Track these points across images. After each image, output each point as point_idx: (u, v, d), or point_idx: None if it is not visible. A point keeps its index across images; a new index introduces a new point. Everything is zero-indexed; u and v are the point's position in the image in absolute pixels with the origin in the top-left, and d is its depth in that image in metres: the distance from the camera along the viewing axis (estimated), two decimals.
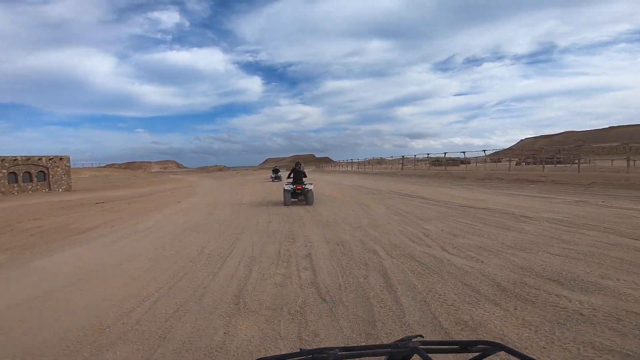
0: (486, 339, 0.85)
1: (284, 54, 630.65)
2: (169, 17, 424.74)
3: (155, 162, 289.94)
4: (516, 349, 0.67)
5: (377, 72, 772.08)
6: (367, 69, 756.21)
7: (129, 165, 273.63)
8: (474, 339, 1.35)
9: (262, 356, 2.00)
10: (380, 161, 49.68)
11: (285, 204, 10.59)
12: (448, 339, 1.42)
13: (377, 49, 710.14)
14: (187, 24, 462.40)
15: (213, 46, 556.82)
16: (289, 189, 10.69)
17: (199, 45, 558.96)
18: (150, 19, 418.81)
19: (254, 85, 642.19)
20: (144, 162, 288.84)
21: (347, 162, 57.48)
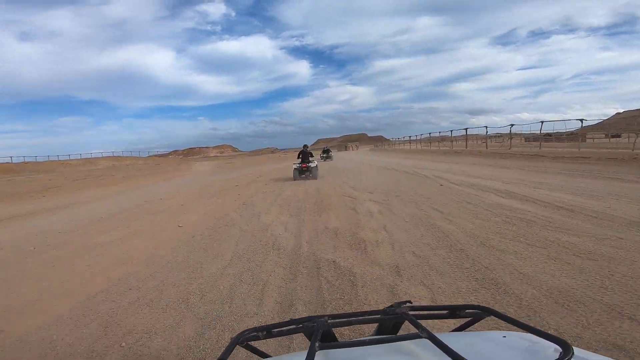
0: (475, 304, 0.74)
1: (330, 37, 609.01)
2: (216, 9, 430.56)
3: (212, 147, 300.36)
4: (505, 314, 0.66)
5: (429, 49, 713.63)
6: (417, 47, 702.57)
7: (190, 151, 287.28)
8: (464, 303, 1.34)
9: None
10: (443, 138, 36.97)
11: (295, 179, 12.79)
12: (437, 304, 1.27)
13: (427, 26, 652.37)
14: (233, 13, 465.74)
15: (259, 34, 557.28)
16: (297, 167, 12.97)
17: (247, 33, 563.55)
18: (199, 12, 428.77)
19: (302, 69, 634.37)
20: (202, 147, 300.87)
21: (404, 140, 47.36)
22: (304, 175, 12.87)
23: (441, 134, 32.78)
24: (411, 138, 41.09)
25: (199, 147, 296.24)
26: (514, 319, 0.62)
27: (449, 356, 0.49)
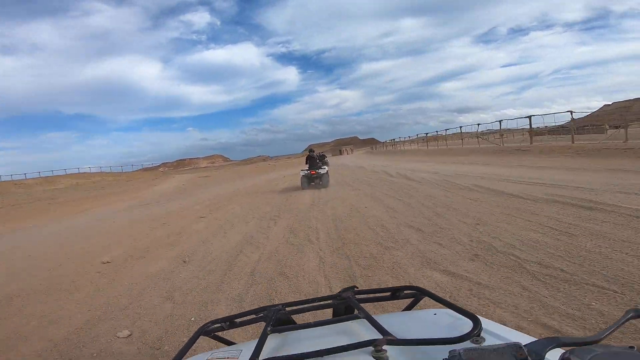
0: (412, 285, 0.85)
1: (316, 42, 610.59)
2: (200, 18, 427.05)
3: (203, 158, 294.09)
4: (438, 294, 0.74)
5: (414, 50, 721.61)
6: (403, 48, 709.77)
7: (180, 163, 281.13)
8: (402, 285, 1.07)
9: None
10: (436, 137, 34.28)
11: (303, 187, 11.31)
12: (379, 288, 1.08)
13: (411, 27, 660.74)
14: (218, 22, 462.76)
15: (246, 41, 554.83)
16: (305, 174, 11.45)
17: (233, 42, 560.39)
18: (183, 22, 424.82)
19: (291, 75, 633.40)
20: (193, 158, 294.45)
21: (400, 141, 43.97)
22: (313, 184, 11.45)
23: (438, 133, 32.06)
24: (406, 138, 39.93)
25: (189, 159, 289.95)
26: (440, 297, 0.73)
27: (380, 333, 0.59)
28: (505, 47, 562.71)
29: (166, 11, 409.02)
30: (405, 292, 0.82)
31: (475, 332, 0.55)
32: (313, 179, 11.34)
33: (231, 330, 0.81)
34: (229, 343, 0.85)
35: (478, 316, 0.60)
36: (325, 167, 11.73)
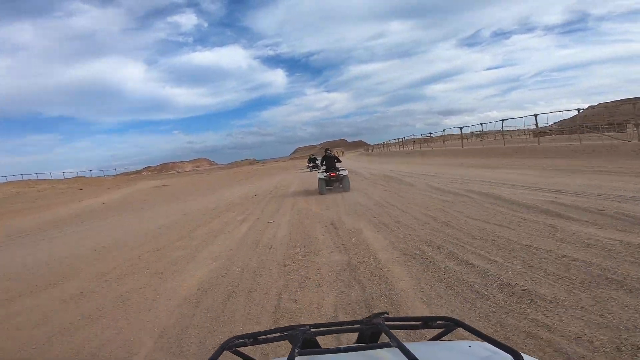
0: (445, 316, 0.80)
1: (305, 44, 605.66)
2: (187, 20, 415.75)
3: (188, 161, 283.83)
4: (472, 326, 0.69)
5: (402, 52, 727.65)
6: (391, 51, 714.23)
7: (164, 167, 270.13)
8: (435, 314, 1.36)
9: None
10: (429, 139, 32.13)
11: (321, 192, 9.57)
12: (411, 316, 1.40)
13: (399, 30, 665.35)
14: (205, 24, 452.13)
15: (233, 44, 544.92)
16: (323, 177, 9.65)
17: (220, 44, 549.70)
18: (170, 23, 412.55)
19: (278, 77, 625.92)
20: (177, 162, 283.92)
21: (393, 143, 39.14)
22: (331, 187, 9.78)
23: (432, 134, 31.80)
24: (399, 140, 38.45)
25: (174, 162, 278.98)
26: (477, 330, 0.67)
27: None
28: (490, 50, 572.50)
29: (152, 12, 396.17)
30: (438, 322, 0.75)
31: None
32: (332, 182, 9.85)
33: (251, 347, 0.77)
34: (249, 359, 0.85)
35: (519, 351, 0.56)
36: (345, 169, 10.08)
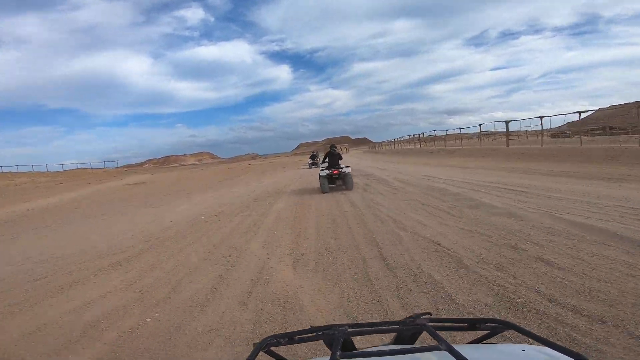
0: (495, 318, 0.74)
1: (309, 41, 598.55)
2: (194, 14, 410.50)
3: (190, 155, 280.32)
4: (526, 328, 0.65)
5: (405, 51, 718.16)
6: (394, 49, 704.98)
7: (166, 160, 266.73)
8: (483, 317, 1.13)
9: None
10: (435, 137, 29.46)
11: (324, 191, 8.94)
12: (456, 317, 1.32)
13: (403, 29, 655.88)
14: (212, 19, 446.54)
15: (238, 39, 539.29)
16: (325, 174, 9.07)
17: (225, 39, 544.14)
18: (176, 17, 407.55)
19: (282, 73, 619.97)
20: (179, 155, 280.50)
21: (401, 140, 34.68)
22: (334, 185, 9.32)
23: (436, 132, 29.65)
24: (405, 138, 35.52)
25: (176, 155, 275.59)
26: (534, 333, 0.62)
27: None
28: (495, 51, 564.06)
29: (159, 6, 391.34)
30: (487, 324, 0.69)
31: None
32: (335, 180, 9.21)
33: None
34: None
35: (585, 356, 0.51)
36: (349, 166, 9.45)
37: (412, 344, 0.73)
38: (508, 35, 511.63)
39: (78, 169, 42.73)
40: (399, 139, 38.52)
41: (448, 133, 26.55)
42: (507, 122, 16.20)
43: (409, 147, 34.25)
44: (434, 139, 29.17)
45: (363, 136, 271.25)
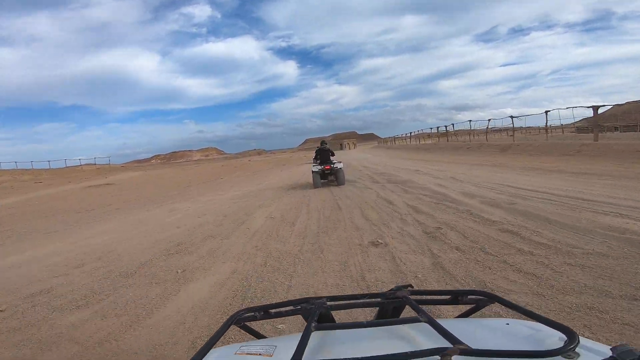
0: (479, 289, 0.74)
1: (316, 37, 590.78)
2: (201, 11, 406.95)
3: (197, 150, 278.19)
4: (511, 300, 0.61)
5: (414, 47, 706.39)
6: (402, 45, 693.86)
7: (173, 155, 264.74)
8: (466, 288, 1.20)
9: None
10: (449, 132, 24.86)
11: (315, 186, 8.82)
12: (439, 289, 1.32)
13: (411, 25, 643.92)
14: (219, 15, 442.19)
15: (246, 35, 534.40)
16: (317, 170, 9.02)
17: (233, 35, 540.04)
18: (184, 14, 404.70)
19: (290, 69, 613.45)
20: (187, 151, 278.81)
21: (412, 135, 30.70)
22: (326, 181, 9.28)
23: (448, 127, 25.25)
24: (418, 132, 32.41)
25: (183, 151, 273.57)
26: (520, 306, 0.60)
27: (448, 340, 0.47)
28: (505, 47, 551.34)
29: (167, 3, 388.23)
30: (471, 296, 0.67)
31: (572, 347, 0.46)
32: (326, 176, 9.16)
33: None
34: (259, 336, 0.76)
35: (573, 330, 0.49)
36: (341, 162, 9.20)
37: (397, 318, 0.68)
38: (518, 31, 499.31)
39: (69, 166, 39.00)
40: (415, 133, 33.48)
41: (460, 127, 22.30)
42: (595, 108, 11.16)
43: (424, 142, 29.29)
44: (459, 133, 24.50)
45: (370, 132, 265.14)
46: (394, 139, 43.15)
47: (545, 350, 0.44)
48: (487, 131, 19.93)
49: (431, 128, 28.89)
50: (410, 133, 34.00)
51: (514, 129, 18.02)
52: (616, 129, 22.97)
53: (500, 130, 24.41)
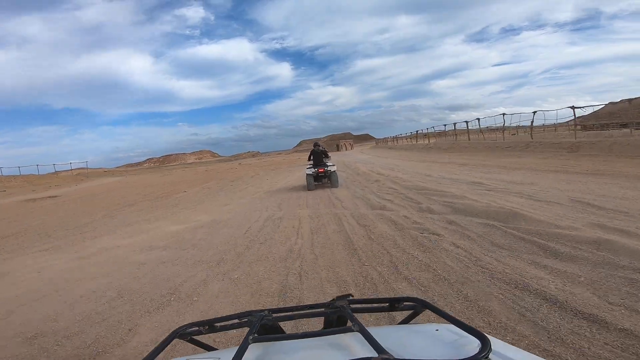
0: (411, 296, 0.75)
1: (311, 38, 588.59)
2: (195, 12, 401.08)
3: (190, 153, 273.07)
4: (438, 307, 0.66)
5: (409, 47, 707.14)
6: (397, 45, 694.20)
7: (166, 159, 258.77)
8: (401, 295, 1.15)
9: None
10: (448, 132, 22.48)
11: (309, 188, 8.56)
12: (377, 297, 1.29)
13: (406, 25, 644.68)
14: (212, 17, 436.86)
15: (240, 37, 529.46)
16: (311, 172, 8.76)
17: (227, 37, 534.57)
18: (177, 16, 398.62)
19: (284, 71, 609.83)
20: (180, 154, 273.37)
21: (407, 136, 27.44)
22: (320, 183, 9.00)
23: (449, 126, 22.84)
24: (418, 132, 29.57)
25: (176, 154, 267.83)
26: (445, 312, 0.62)
27: (375, 349, 0.49)
28: (498, 46, 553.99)
29: (160, 5, 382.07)
30: (405, 303, 0.70)
31: (484, 354, 0.48)
32: (320, 178, 8.87)
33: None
34: (207, 348, 0.76)
35: (487, 335, 0.52)
36: (334, 164, 9.04)
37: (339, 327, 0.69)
38: (510, 30, 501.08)
39: (49, 173, 34.56)
40: (421, 131, 29.61)
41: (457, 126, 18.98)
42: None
43: (432, 141, 25.43)
44: (443, 134, 20.61)
45: (366, 132, 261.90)
46: (396, 138, 39.22)
47: (465, 358, 0.46)
48: (531, 128, 15.91)
49: (432, 127, 25.25)
50: (417, 131, 30.13)
51: (575, 123, 13.98)
52: None
53: (516, 127, 20.77)
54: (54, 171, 33.12)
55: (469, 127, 20.24)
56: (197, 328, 0.67)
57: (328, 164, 8.85)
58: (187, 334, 0.67)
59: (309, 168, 8.92)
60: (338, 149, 56.81)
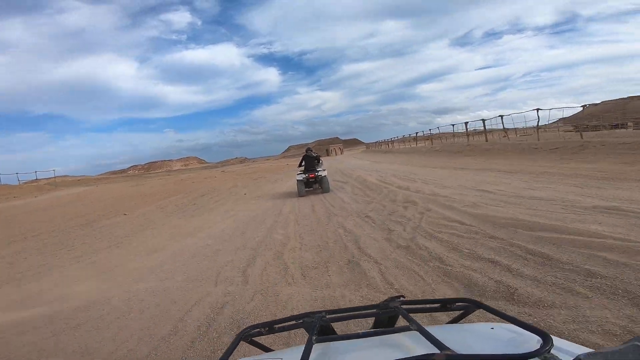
0: (465, 297, 0.77)
1: (298, 43, 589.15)
2: (181, 17, 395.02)
3: (176, 160, 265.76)
4: (493, 307, 0.63)
5: (395, 51, 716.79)
6: (384, 50, 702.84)
7: (151, 166, 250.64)
8: (454, 297, 1.25)
9: None
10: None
11: (300, 194, 8.51)
12: (429, 299, 1.22)
13: (392, 29, 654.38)
14: (199, 22, 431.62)
15: (227, 42, 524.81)
16: (302, 178, 8.72)
17: (214, 42, 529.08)
18: (163, 21, 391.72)
19: (271, 76, 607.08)
20: (166, 160, 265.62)
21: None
22: (311, 189, 8.99)
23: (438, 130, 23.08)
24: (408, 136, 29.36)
25: (162, 161, 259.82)
26: (500, 311, 0.61)
27: (436, 347, 0.49)
28: (481, 50, 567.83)
29: (146, 10, 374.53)
30: (458, 304, 0.69)
31: (547, 349, 0.46)
32: (311, 184, 8.82)
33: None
34: (266, 349, 0.77)
35: (549, 333, 0.51)
36: (325, 169, 9.01)
37: (392, 327, 0.70)
38: (492, 34, 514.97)
39: (53, 177, 30.13)
40: (415, 135, 26.98)
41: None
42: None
43: (428, 144, 22.76)
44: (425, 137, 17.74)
45: (354, 137, 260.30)
46: (391, 141, 36.50)
47: (522, 354, 0.45)
48: (537, 129, 13.29)
49: (423, 131, 22.81)
50: (415, 134, 27.45)
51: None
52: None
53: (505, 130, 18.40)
54: (35, 178, 29.00)
55: (468, 128, 17.81)
56: (259, 329, 0.69)
57: (318, 169, 8.76)
58: (250, 335, 0.68)
59: (299, 174, 8.88)
60: (328, 153, 54.08)
